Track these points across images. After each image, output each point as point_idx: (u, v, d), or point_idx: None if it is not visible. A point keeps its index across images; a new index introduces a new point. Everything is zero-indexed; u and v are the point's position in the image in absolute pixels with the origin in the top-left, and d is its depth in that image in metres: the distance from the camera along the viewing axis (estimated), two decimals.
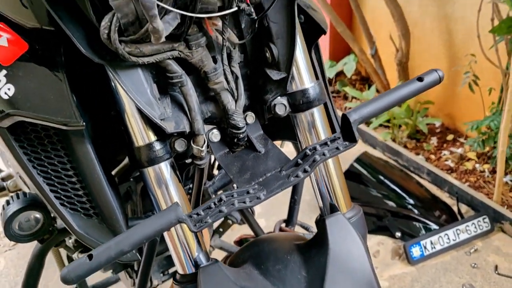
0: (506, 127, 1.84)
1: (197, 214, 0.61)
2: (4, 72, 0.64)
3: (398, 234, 1.98)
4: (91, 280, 1.36)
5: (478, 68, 2.27)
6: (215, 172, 1.19)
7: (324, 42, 3.30)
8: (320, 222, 0.72)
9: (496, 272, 1.81)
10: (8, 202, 0.79)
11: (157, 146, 0.65)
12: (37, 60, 0.64)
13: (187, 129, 0.65)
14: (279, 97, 0.71)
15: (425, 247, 1.87)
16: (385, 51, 2.87)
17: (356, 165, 2.34)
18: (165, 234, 0.68)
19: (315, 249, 0.72)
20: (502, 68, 2.06)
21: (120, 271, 1.20)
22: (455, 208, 2.09)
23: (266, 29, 0.68)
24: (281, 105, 0.71)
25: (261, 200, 0.62)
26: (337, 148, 0.65)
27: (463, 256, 1.89)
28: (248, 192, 0.63)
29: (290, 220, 1.25)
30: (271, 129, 0.83)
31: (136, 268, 1.16)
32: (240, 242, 1.30)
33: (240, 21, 0.67)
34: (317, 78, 0.74)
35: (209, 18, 0.61)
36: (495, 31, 1.77)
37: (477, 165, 2.35)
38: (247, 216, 1.19)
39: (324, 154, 0.65)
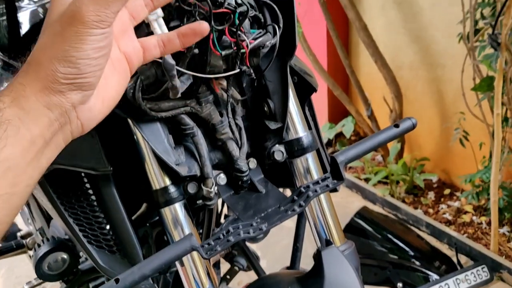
0: (495, 178, 1.94)
1: (208, 244, 0.70)
2: None
3: (399, 284, 2.02)
4: None
5: (468, 125, 2.40)
6: (222, 220, 1.29)
7: (322, 106, 3.46)
8: (316, 255, 0.81)
9: None
10: (39, 245, 0.88)
11: (172, 189, 0.75)
12: None
13: (198, 173, 0.76)
14: (277, 145, 0.82)
15: None
16: (380, 111, 3.01)
17: (356, 219, 2.41)
18: (179, 266, 0.77)
19: (312, 279, 0.80)
20: (487, 123, 2.19)
21: None
22: (454, 259, 2.14)
23: (264, 87, 0.80)
24: (279, 152, 0.82)
25: (263, 230, 0.72)
26: (327, 186, 0.76)
27: None
28: (251, 225, 0.73)
29: (293, 266, 1.32)
30: (271, 178, 0.94)
31: None
32: None
33: (242, 81, 0.79)
34: (310, 128, 0.85)
35: (216, 78, 0.73)
36: (477, 89, 1.91)
37: (474, 218, 2.43)
38: (252, 262, 1.27)
39: (316, 191, 0.75)
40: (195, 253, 0.75)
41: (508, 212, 2.25)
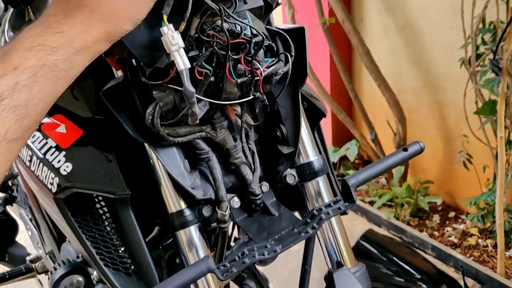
0: (500, 201, 1.96)
1: (224, 266, 0.72)
2: (63, 153, 0.79)
3: None
4: None
5: (472, 148, 2.42)
6: (232, 243, 1.30)
7: (327, 130, 3.49)
8: (328, 277, 0.83)
9: None
10: (55, 268, 0.90)
11: (187, 212, 0.77)
12: (90, 142, 0.79)
13: (213, 196, 0.78)
14: (289, 169, 0.84)
15: None
16: (384, 135, 3.04)
17: (362, 242, 2.42)
18: None
19: None
20: (490, 146, 2.21)
21: None
22: (461, 282, 2.14)
23: (276, 113, 0.83)
24: (291, 176, 0.84)
25: (277, 252, 0.74)
26: (339, 208, 0.78)
27: None
28: (266, 247, 0.75)
29: None
30: (283, 201, 0.96)
31: None
32: None
33: (255, 107, 0.82)
34: (320, 152, 0.88)
35: (231, 105, 0.76)
36: (480, 112, 1.94)
37: (480, 240, 2.43)
38: (262, 285, 1.28)
39: (328, 213, 0.77)
40: (209, 275, 0.77)
41: None
